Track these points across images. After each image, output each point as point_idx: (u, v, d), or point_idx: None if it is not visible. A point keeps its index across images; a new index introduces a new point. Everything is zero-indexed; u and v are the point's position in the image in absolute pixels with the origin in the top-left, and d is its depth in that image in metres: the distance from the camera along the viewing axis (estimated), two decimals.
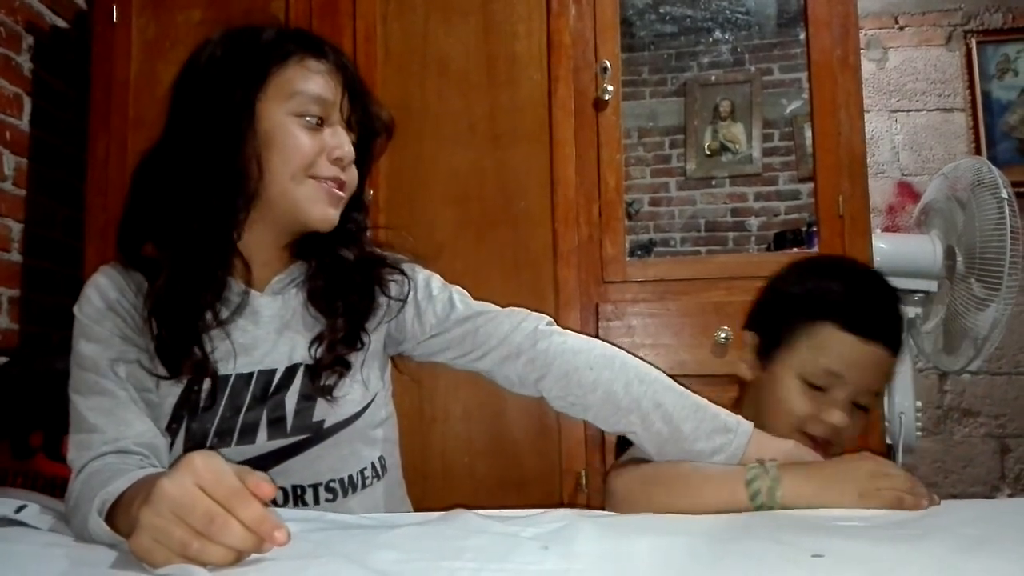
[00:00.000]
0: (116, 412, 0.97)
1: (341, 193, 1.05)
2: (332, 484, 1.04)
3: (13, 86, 2.12)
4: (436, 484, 1.88)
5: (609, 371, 1.03)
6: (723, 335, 1.82)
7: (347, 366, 1.05)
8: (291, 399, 1.02)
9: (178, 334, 0.99)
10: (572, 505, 1.77)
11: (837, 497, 0.86)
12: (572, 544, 0.69)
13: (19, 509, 0.85)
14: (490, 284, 1.84)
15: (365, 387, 1.07)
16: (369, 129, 1.11)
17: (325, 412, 1.03)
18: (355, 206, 1.12)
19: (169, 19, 2.05)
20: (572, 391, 1.04)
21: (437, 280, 1.15)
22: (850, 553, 0.66)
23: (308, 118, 1.02)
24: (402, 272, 1.12)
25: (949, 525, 0.78)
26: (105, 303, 1.02)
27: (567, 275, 1.90)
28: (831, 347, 1.08)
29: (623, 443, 1.18)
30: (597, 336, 1.88)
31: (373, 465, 1.09)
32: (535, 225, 1.92)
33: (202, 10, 2.04)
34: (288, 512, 0.91)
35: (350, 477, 1.06)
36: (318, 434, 1.03)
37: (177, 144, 1.03)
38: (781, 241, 2.43)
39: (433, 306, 1.11)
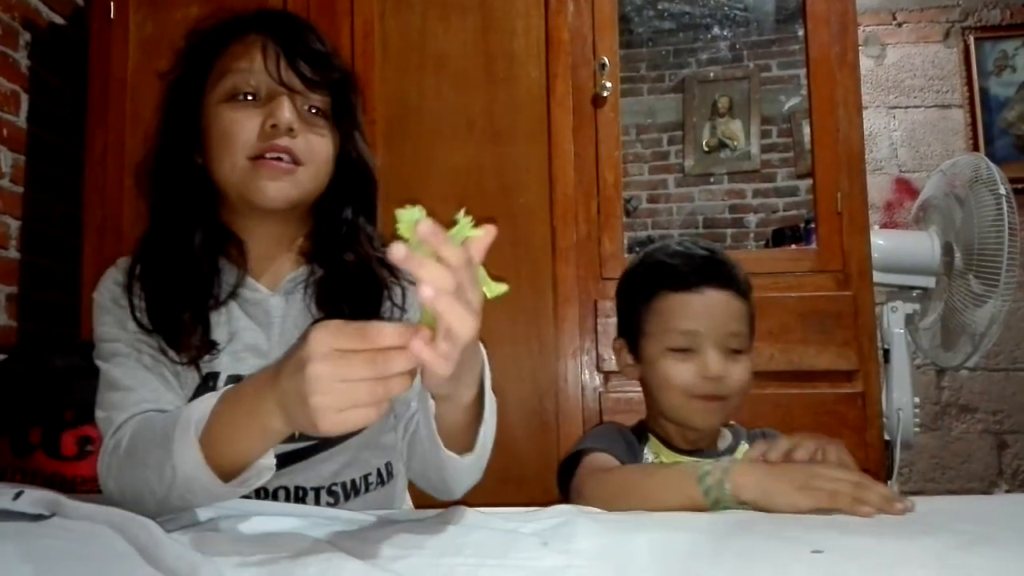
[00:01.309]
0: (149, 380, 0.97)
1: (288, 165, 0.99)
2: (335, 488, 1.03)
3: (10, 83, 2.11)
4: None
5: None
6: None
7: None
8: None
9: (168, 304, 1.00)
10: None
11: (776, 485, 0.86)
12: (571, 540, 0.69)
13: (16, 496, 0.84)
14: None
15: None
16: (331, 83, 1.04)
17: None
18: (352, 200, 1.09)
19: (166, 16, 2.05)
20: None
21: None
22: (850, 549, 0.66)
23: (239, 97, 1.00)
24: (404, 281, 1.10)
25: (948, 521, 0.78)
26: (122, 289, 1.02)
27: (566, 272, 1.90)
28: (670, 311, 1.15)
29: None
30: (595, 333, 1.89)
31: (379, 471, 1.08)
32: (534, 222, 1.92)
33: (199, 6, 2.04)
34: (287, 507, 0.91)
35: (353, 481, 1.05)
36: (326, 441, 1.02)
37: (155, 145, 1.08)
38: (779, 237, 2.44)
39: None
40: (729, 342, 1.13)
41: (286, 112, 0.98)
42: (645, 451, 1.18)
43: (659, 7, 2.74)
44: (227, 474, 0.77)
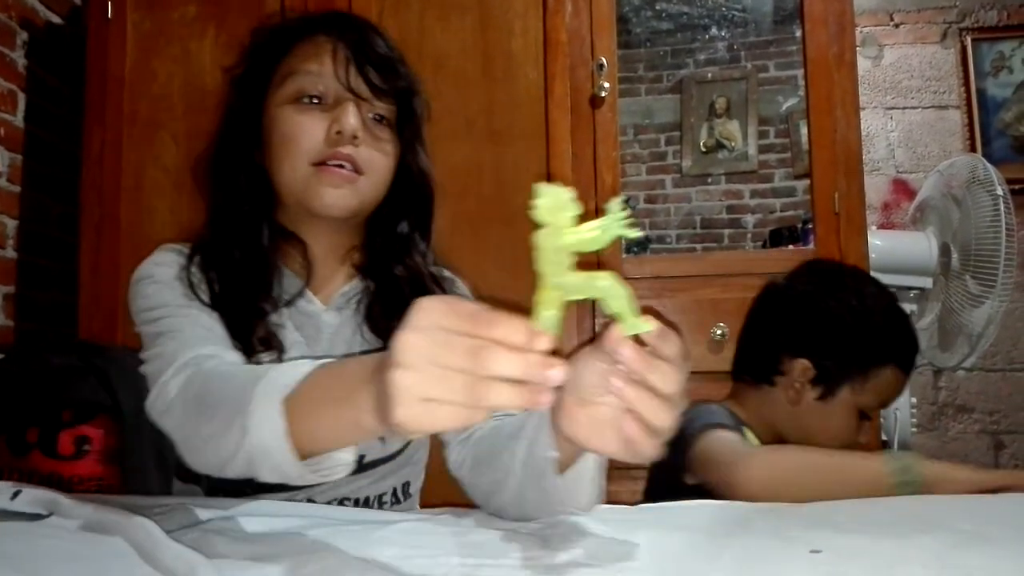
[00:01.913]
0: (216, 329, 0.91)
1: (351, 173, 0.97)
2: (346, 502, 1.01)
3: (7, 82, 2.11)
4: (434, 479, 1.88)
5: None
6: (719, 332, 1.83)
7: None
8: None
9: (234, 293, 0.96)
10: None
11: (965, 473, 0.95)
12: (571, 540, 0.69)
13: (15, 495, 0.84)
14: (486, 281, 1.83)
15: None
16: (398, 92, 1.01)
17: (368, 447, 0.99)
18: (409, 213, 1.06)
19: (164, 15, 2.04)
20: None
21: None
22: (848, 548, 0.66)
23: (304, 99, 0.98)
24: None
25: (946, 521, 0.78)
26: (183, 269, 0.97)
27: None
28: (891, 386, 1.21)
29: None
30: (594, 333, 1.88)
31: (395, 490, 1.06)
32: (532, 222, 1.91)
33: (197, 6, 2.04)
34: (287, 506, 0.91)
35: (367, 499, 1.03)
36: (356, 467, 0.95)
37: (216, 141, 1.05)
38: (777, 238, 2.44)
39: None
40: None
41: (352, 119, 0.95)
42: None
43: (657, 8, 2.74)
44: (300, 455, 0.66)
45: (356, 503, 1.02)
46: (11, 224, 2.10)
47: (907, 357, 1.23)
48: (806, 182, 2.04)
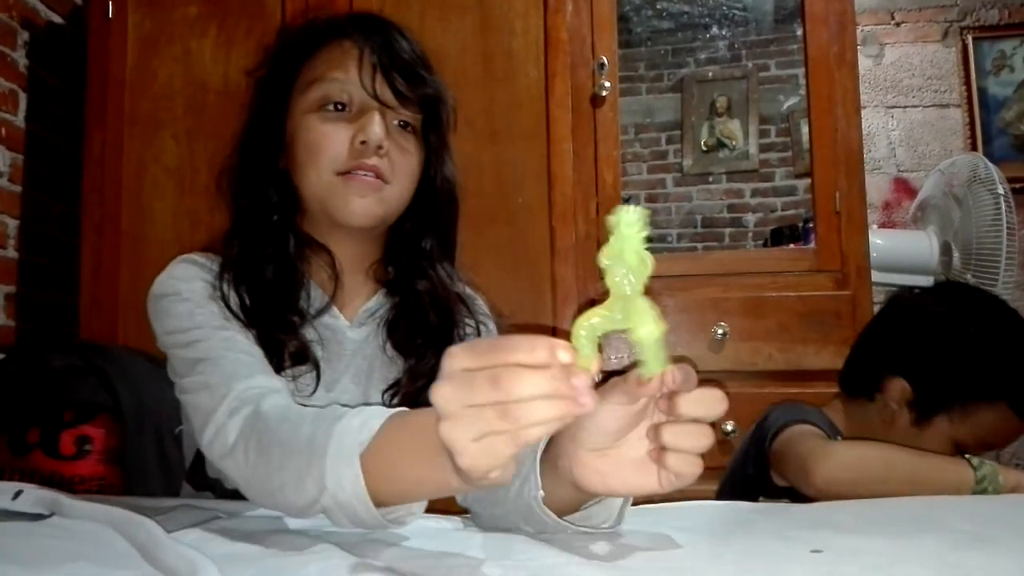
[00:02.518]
0: (257, 352, 0.88)
1: (377, 181, 0.95)
2: None
3: (8, 82, 2.11)
4: None
5: None
6: (720, 331, 1.83)
7: None
8: None
9: (265, 303, 0.93)
10: None
11: None
12: (572, 539, 0.69)
13: (16, 495, 0.84)
14: (487, 281, 1.83)
15: None
16: (424, 98, 0.99)
17: None
18: (432, 224, 1.04)
19: (164, 15, 2.05)
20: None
21: None
22: (849, 548, 0.66)
23: (329, 107, 0.96)
24: (479, 315, 1.06)
25: (946, 521, 0.78)
26: (210, 283, 0.95)
27: (564, 272, 1.90)
28: (999, 427, 1.10)
29: None
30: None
31: None
32: (532, 221, 1.92)
33: (197, 5, 2.04)
34: None
35: None
36: None
37: (239, 148, 1.03)
38: (778, 237, 2.44)
39: None
40: None
41: (377, 129, 0.94)
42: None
43: (658, 7, 2.74)
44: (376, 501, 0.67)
45: None
46: (12, 224, 2.10)
47: (1021, 398, 1.10)
48: (807, 181, 2.04)
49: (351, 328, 1.01)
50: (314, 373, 0.95)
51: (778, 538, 0.71)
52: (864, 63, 2.74)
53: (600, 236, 1.92)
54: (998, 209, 2.08)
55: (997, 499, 0.94)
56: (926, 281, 2.25)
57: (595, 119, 1.94)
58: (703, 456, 0.60)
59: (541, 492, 0.70)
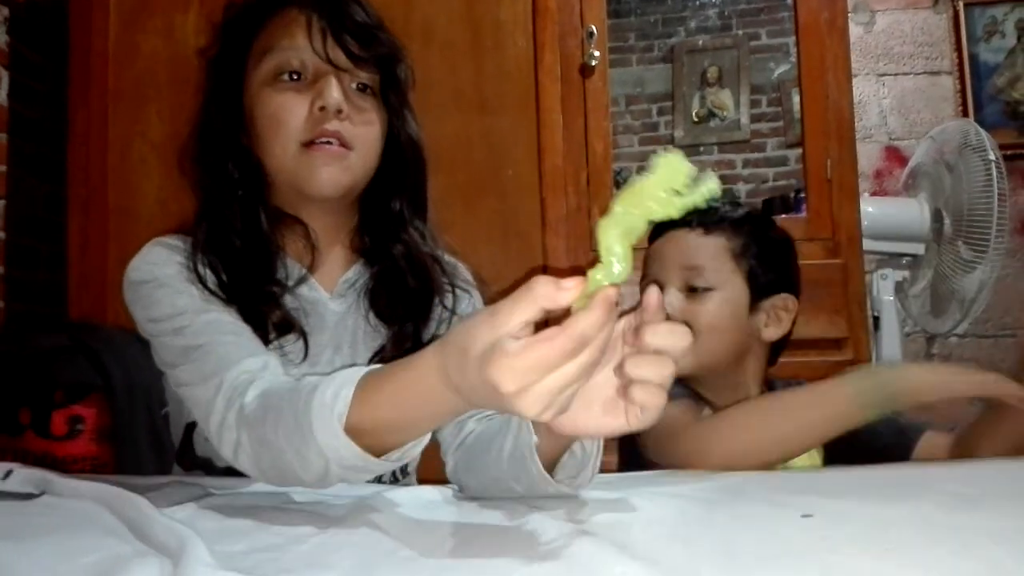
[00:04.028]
0: (244, 331, 0.87)
1: (340, 149, 0.94)
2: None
3: None
4: (428, 453, 1.88)
5: None
6: None
7: None
8: None
9: (243, 278, 0.93)
10: None
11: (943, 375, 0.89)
12: (561, 507, 0.69)
13: (6, 475, 0.83)
14: (478, 254, 1.82)
15: None
16: (380, 59, 0.97)
17: None
18: (401, 186, 1.02)
19: None
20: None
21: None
22: (839, 513, 0.67)
23: (283, 77, 0.94)
24: (459, 280, 1.05)
25: (934, 485, 0.78)
26: (184, 263, 0.93)
27: (555, 243, 1.89)
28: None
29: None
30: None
31: (393, 472, 1.04)
32: (523, 194, 1.91)
33: None
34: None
35: (368, 483, 1.02)
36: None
37: (197, 128, 1.02)
38: (769, 207, 2.43)
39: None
40: (688, 279, 1.12)
41: (334, 93, 0.92)
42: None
43: None
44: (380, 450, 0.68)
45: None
46: None
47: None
48: (798, 151, 2.04)
49: (332, 300, 1.01)
50: (301, 342, 0.94)
51: (768, 504, 0.71)
52: (855, 30, 2.72)
53: (591, 208, 1.91)
54: (989, 175, 2.07)
55: (988, 463, 0.94)
56: (917, 248, 2.26)
57: (585, 89, 1.92)
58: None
59: (535, 438, 0.72)
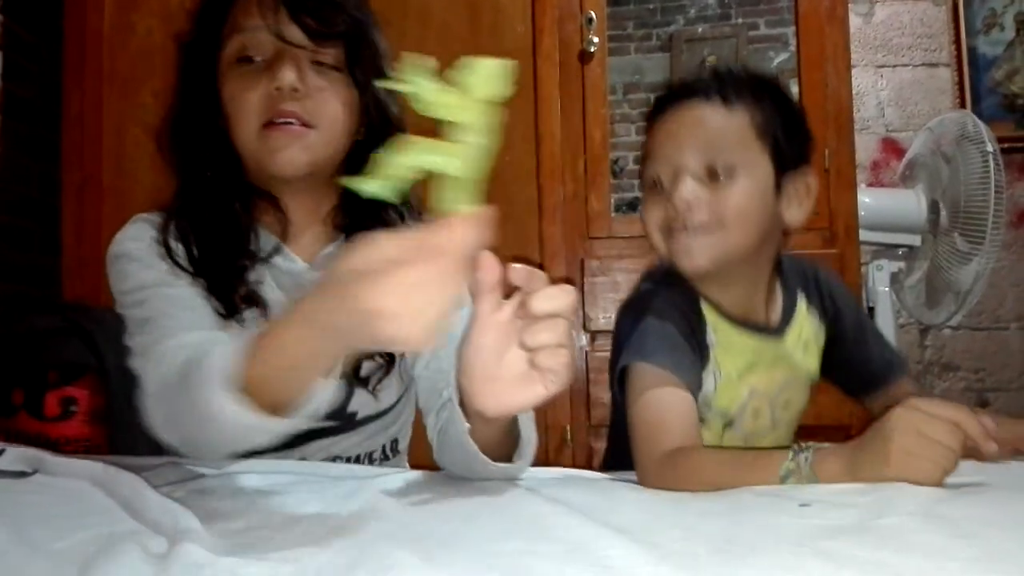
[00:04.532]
0: (195, 304, 0.90)
1: (300, 128, 0.94)
2: (338, 460, 1.01)
3: None
4: (423, 442, 1.88)
5: None
6: None
7: (392, 360, 1.00)
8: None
9: (212, 252, 0.95)
10: (557, 460, 1.78)
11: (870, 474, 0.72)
12: (561, 491, 0.69)
13: None
14: None
15: (401, 378, 1.03)
16: (343, 34, 0.96)
17: (360, 404, 0.99)
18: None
19: None
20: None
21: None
22: (837, 502, 0.67)
23: (245, 59, 0.95)
24: None
25: None
26: (156, 239, 0.96)
27: (552, 231, 1.89)
28: (648, 142, 1.08)
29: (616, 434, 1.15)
30: (582, 292, 1.88)
31: (384, 447, 1.06)
32: (520, 180, 1.90)
33: None
34: (277, 464, 0.90)
35: (358, 457, 1.03)
36: (348, 423, 0.99)
37: (173, 112, 1.03)
38: None
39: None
40: (710, 161, 0.96)
41: (288, 73, 0.92)
42: (708, 328, 1.02)
43: None
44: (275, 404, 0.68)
45: (348, 460, 1.01)
46: None
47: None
48: None
49: (309, 270, 1.01)
50: (265, 315, 0.95)
51: (768, 494, 0.71)
52: (854, 21, 2.71)
53: (588, 195, 1.91)
54: (986, 167, 2.07)
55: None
56: (913, 240, 2.26)
57: (583, 75, 1.91)
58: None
59: (467, 425, 0.74)
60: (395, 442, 1.08)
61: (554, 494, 0.68)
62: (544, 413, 1.86)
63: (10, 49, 2.14)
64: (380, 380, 0.99)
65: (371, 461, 1.04)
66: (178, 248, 0.95)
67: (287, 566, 0.51)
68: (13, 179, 2.14)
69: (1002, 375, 2.72)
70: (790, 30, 2.44)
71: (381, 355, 0.98)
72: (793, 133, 1.01)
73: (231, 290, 0.94)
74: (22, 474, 0.79)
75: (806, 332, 1.11)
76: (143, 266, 0.94)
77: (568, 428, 1.84)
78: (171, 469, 0.79)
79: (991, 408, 2.70)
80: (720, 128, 0.97)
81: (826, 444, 0.78)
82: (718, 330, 1.02)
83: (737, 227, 0.97)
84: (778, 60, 2.67)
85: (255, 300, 0.95)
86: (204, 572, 0.49)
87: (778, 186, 1.00)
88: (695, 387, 0.96)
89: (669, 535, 0.56)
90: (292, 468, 0.84)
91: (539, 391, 0.65)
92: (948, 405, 0.74)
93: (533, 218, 1.89)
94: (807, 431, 1.19)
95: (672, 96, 1.02)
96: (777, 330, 1.07)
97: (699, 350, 0.99)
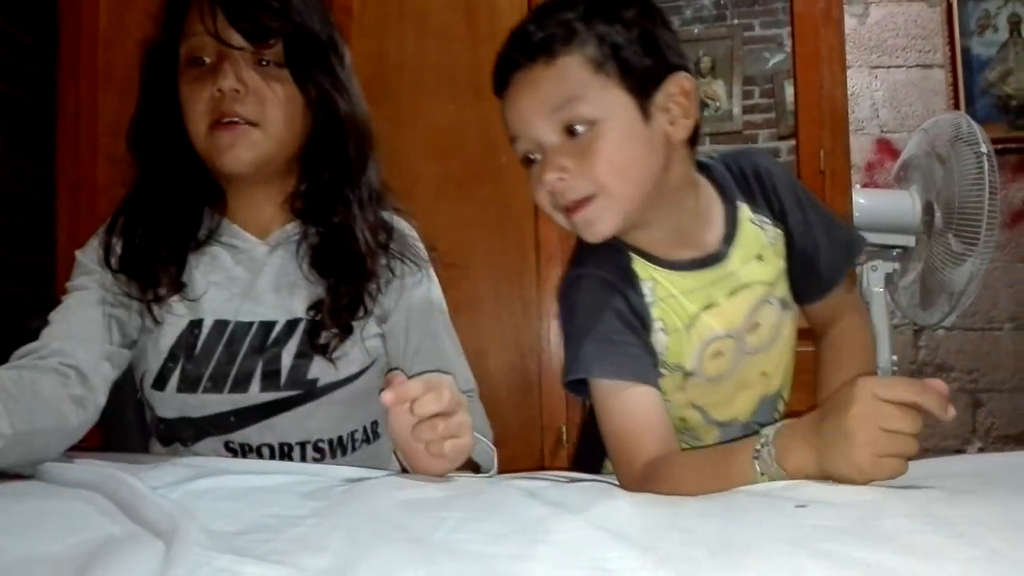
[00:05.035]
0: (71, 317, 1.00)
1: (244, 127, 0.99)
2: (320, 444, 1.04)
3: None
4: None
5: None
6: None
7: (348, 330, 1.04)
8: (288, 354, 1.02)
9: (145, 244, 1.03)
10: (553, 460, 1.78)
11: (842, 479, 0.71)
12: (557, 494, 0.69)
13: None
14: (472, 241, 1.82)
15: (366, 351, 1.06)
16: (281, 34, 1.00)
17: (320, 371, 1.02)
18: (328, 157, 1.06)
19: None
20: None
21: (434, 291, 1.13)
22: (833, 502, 0.67)
23: (196, 62, 1.00)
24: (403, 257, 1.10)
25: (931, 479, 0.78)
26: (99, 241, 1.06)
27: (549, 232, 1.89)
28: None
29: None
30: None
31: (365, 429, 1.09)
32: (517, 181, 1.89)
33: None
34: (271, 465, 0.91)
35: (340, 438, 1.05)
36: (311, 392, 1.02)
37: (135, 115, 1.10)
38: None
39: (409, 307, 1.09)
40: (562, 123, 0.87)
41: (227, 75, 0.97)
42: (644, 287, 0.95)
43: None
44: None
45: (330, 444, 1.04)
46: None
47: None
48: (790, 143, 2.04)
49: (263, 246, 1.08)
50: (200, 299, 1.03)
51: (764, 495, 0.71)
52: (849, 23, 2.72)
53: None
54: (981, 168, 2.07)
55: (991, 458, 0.94)
56: (908, 240, 2.26)
57: None
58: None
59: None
60: (375, 424, 1.10)
61: (552, 496, 0.68)
62: (540, 414, 1.86)
63: (5, 49, 2.13)
64: (335, 348, 1.02)
65: (353, 443, 1.07)
66: (117, 244, 1.03)
67: (285, 568, 0.51)
68: (9, 179, 2.13)
69: (995, 376, 2.73)
70: (785, 31, 2.45)
71: (337, 324, 1.02)
72: (639, 45, 0.89)
73: (160, 275, 1.01)
74: (20, 476, 0.79)
75: (758, 241, 1.00)
76: (77, 272, 1.05)
77: (564, 428, 1.84)
78: (168, 470, 0.78)
79: (983, 408, 2.72)
80: (553, 89, 0.87)
81: (788, 422, 0.77)
82: (657, 283, 0.95)
83: (617, 183, 0.88)
84: (773, 61, 2.68)
85: (178, 286, 1.02)
86: (202, 571, 0.49)
87: (647, 111, 0.89)
88: (649, 371, 0.91)
89: (667, 538, 0.56)
90: (289, 470, 0.84)
91: (443, 465, 0.80)
92: (900, 383, 0.73)
93: (530, 219, 1.89)
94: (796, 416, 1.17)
95: (499, 73, 0.93)
96: (718, 254, 0.97)
97: (640, 321, 0.93)
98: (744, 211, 0.99)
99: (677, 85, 0.90)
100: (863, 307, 1.04)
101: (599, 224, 0.90)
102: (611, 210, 0.89)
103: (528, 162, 0.93)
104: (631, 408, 0.88)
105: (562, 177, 0.87)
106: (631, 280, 0.94)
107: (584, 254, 0.98)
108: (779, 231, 1.01)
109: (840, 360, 1.03)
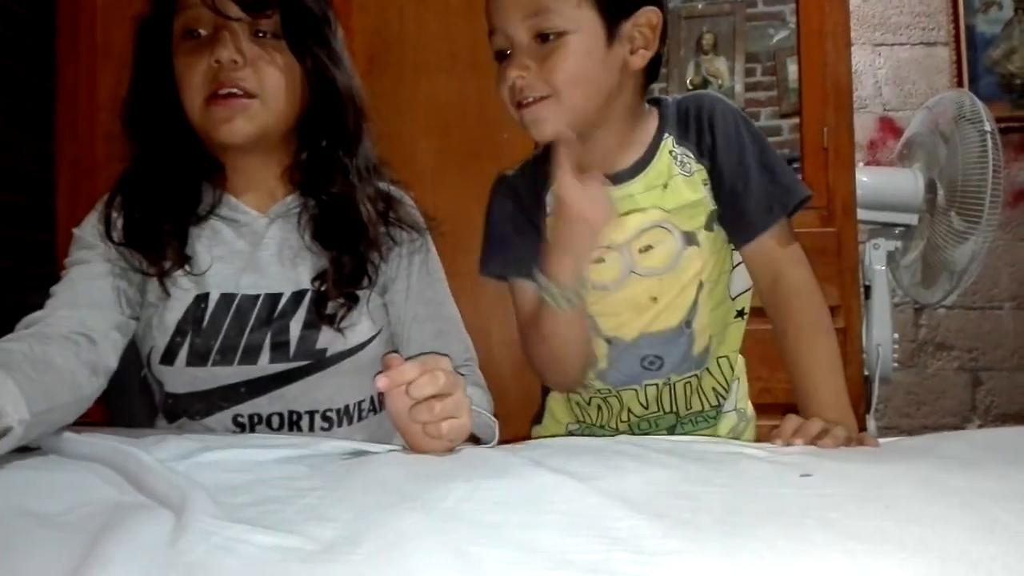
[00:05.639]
0: (78, 287, 0.99)
1: (243, 99, 0.99)
2: (329, 413, 1.05)
3: None
4: None
5: None
6: None
7: (354, 299, 1.04)
8: (296, 324, 1.03)
9: (146, 218, 1.02)
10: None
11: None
12: (563, 462, 0.69)
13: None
14: (472, 218, 1.81)
15: (372, 320, 1.07)
16: (281, 3, 1.00)
17: (329, 341, 1.03)
18: (326, 127, 1.07)
19: None
20: None
21: (432, 259, 1.14)
22: (838, 472, 0.67)
23: (191, 35, 1.00)
24: (401, 224, 1.10)
25: (933, 450, 0.79)
26: (99, 216, 1.05)
27: None
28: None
29: None
30: None
31: (372, 399, 1.09)
32: (517, 157, 1.88)
33: None
34: (278, 439, 0.91)
35: (347, 408, 1.06)
36: (320, 362, 1.03)
37: (129, 91, 1.09)
38: None
39: (409, 275, 1.11)
40: (535, 27, 0.96)
41: (226, 45, 0.97)
42: (548, 197, 1.07)
43: None
44: None
45: (338, 413, 1.05)
46: None
47: None
48: (793, 121, 2.03)
49: (263, 219, 1.07)
50: (205, 273, 1.03)
51: (768, 463, 0.71)
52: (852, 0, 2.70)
53: None
54: (984, 147, 2.07)
55: (992, 432, 0.94)
56: (910, 219, 2.26)
57: None
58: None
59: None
60: (381, 394, 1.10)
61: (559, 465, 0.68)
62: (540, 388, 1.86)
63: (4, 24, 2.11)
64: (343, 318, 1.03)
65: (360, 411, 1.08)
66: (118, 219, 1.03)
67: (295, 538, 0.51)
68: (8, 154, 2.12)
69: (995, 355, 2.73)
70: (788, 7, 2.43)
71: (342, 293, 1.03)
72: None
73: (164, 248, 1.01)
74: (26, 449, 0.79)
75: (669, 171, 1.05)
76: (77, 248, 1.04)
77: None
78: (174, 443, 0.79)
79: (983, 387, 2.72)
80: None
81: None
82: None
83: (571, 92, 0.97)
84: (777, 37, 2.66)
85: (183, 259, 1.02)
86: (213, 540, 0.50)
87: (613, 35, 0.98)
88: (531, 268, 1.02)
89: (674, 506, 0.57)
90: (296, 443, 0.84)
91: (442, 445, 0.81)
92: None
93: None
94: (763, 408, 1.21)
95: None
96: (622, 175, 1.05)
97: (536, 228, 1.07)
98: (668, 142, 1.06)
99: (645, 17, 1.00)
100: (806, 262, 1.03)
101: (544, 124, 0.98)
102: (558, 114, 0.97)
103: (500, 57, 1.01)
104: (517, 298, 1.08)
105: (522, 75, 0.97)
106: (537, 195, 1.08)
107: (527, 161, 1.14)
108: (702, 166, 1.06)
109: (789, 315, 1.01)
